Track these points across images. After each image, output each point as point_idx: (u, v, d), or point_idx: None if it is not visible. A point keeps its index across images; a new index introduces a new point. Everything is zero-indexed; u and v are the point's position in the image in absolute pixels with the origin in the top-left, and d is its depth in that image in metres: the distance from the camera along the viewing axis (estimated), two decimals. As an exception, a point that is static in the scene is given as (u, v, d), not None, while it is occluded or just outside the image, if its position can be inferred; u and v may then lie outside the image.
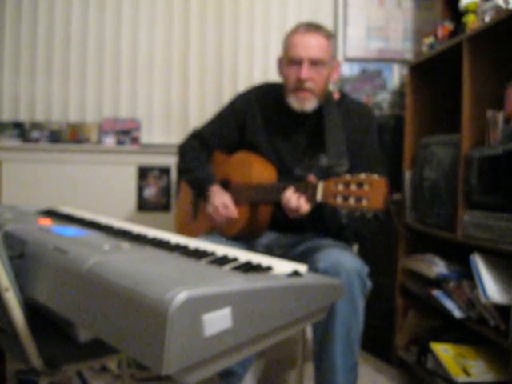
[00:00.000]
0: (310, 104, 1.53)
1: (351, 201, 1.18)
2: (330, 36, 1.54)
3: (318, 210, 1.40)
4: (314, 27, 1.52)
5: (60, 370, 1.01)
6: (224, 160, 1.73)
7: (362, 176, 1.19)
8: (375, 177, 1.17)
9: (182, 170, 1.75)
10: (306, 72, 1.48)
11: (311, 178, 1.33)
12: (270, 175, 1.57)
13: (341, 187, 1.22)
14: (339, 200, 1.21)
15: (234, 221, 1.53)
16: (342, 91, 1.71)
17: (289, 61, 1.52)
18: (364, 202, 1.16)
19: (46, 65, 2.47)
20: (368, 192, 1.16)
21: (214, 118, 1.76)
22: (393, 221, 2.08)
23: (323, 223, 1.55)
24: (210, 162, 1.74)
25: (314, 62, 1.49)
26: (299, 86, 1.50)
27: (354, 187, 1.19)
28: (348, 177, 1.22)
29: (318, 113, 1.56)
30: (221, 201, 1.52)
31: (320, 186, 1.27)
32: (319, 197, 1.27)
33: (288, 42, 1.54)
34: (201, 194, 1.63)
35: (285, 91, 1.57)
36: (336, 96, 1.64)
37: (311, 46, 1.48)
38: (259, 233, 1.61)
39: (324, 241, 1.53)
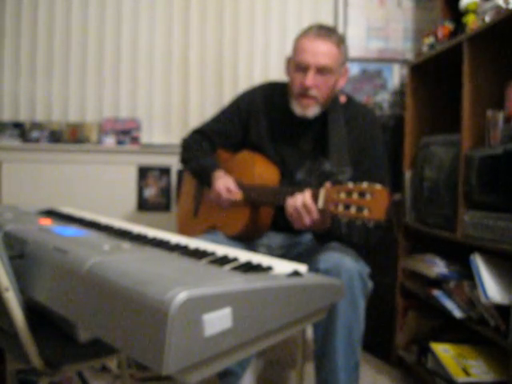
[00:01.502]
0: (312, 111, 1.51)
1: (352, 210, 1.16)
2: (341, 42, 1.50)
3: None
4: (325, 32, 1.47)
5: (60, 370, 1.01)
6: (227, 158, 1.72)
7: (365, 185, 1.17)
8: (378, 187, 1.15)
9: (186, 160, 1.73)
10: (311, 80, 1.45)
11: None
12: (273, 177, 1.56)
13: (342, 195, 1.20)
14: (340, 208, 1.19)
15: (238, 203, 1.51)
16: (349, 94, 1.68)
17: (296, 65, 1.49)
18: (365, 212, 1.14)
19: (46, 65, 2.47)
20: (370, 202, 1.14)
21: (218, 116, 1.74)
22: (393, 230, 2.07)
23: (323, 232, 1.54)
24: (214, 154, 1.73)
25: (321, 70, 1.46)
26: (303, 93, 1.48)
27: (355, 196, 1.17)
28: (350, 185, 1.19)
29: (323, 117, 1.55)
30: (223, 185, 1.51)
31: (322, 193, 1.26)
32: (320, 204, 1.26)
33: (297, 46, 1.50)
34: (205, 181, 1.62)
35: (289, 94, 1.56)
36: (342, 99, 1.61)
37: (320, 52, 1.44)
38: (260, 233, 1.60)
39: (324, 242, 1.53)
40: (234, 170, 1.66)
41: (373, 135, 1.58)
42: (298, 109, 1.52)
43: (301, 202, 1.28)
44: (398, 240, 2.12)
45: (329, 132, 1.52)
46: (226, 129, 1.70)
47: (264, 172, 1.57)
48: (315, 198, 1.27)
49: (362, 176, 1.40)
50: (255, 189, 1.53)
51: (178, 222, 1.97)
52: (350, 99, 1.64)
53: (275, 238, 1.62)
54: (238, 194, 1.50)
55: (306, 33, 1.50)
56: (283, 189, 1.45)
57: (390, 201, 1.13)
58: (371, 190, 1.14)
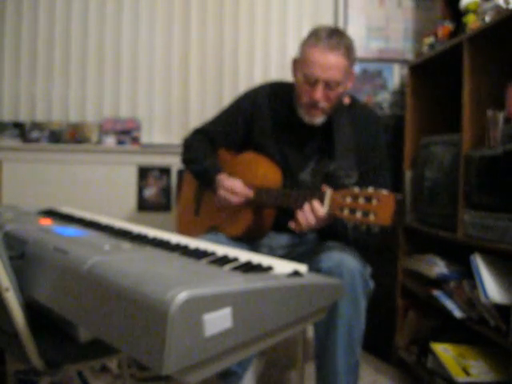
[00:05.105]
0: (319, 119, 1.52)
1: (358, 214, 1.17)
2: (350, 49, 1.47)
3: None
4: (335, 42, 1.42)
5: (60, 370, 1.01)
6: (229, 159, 1.71)
7: (371, 190, 1.17)
8: (384, 192, 1.15)
9: (187, 161, 1.72)
10: (320, 94, 1.44)
11: (323, 188, 1.30)
12: (275, 178, 1.56)
13: (348, 200, 1.20)
14: (346, 212, 1.19)
15: (249, 202, 1.50)
16: (353, 96, 1.66)
17: (305, 77, 1.46)
18: (371, 217, 1.14)
19: (46, 65, 2.47)
20: (376, 207, 1.14)
21: (220, 116, 1.73)
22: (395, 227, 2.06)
23: (330, 234, 1.53)
24: (216, 156, 1.72)
25: (330, 84, 1.44)
26: (312, 105, 1.47)
27: (361, 201, 1.17)
28: (356, 190, 1.20)
29: (328, 122, 1.55)
30: (230, 185, 1.50)
31: (327, 197, 1.26)
32: (326, 208, 1.26)
33: (306, 55, 1.45)
34: (208, 184, 1.61)
35: (296, 99, 1.55)
36: (346, 100, 1.61)
37: (329, 67, 1.41)
38: (262, 234, 1.60)
39: (326, 241, 1.52)
40: (236, 171, 1.65)
41: (377, 137, 1.59)
42: (305, 117, 1.53)
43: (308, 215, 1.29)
44: (398, 233, 2.11)
45: (334, 136, 1.52)
46: (228, 128, 1.69)
47: (267, 173, 1.56)
48: (321, 201, 1.27)
49: (367, 177, 1.41)
50: (268, 191, 1.51)
51: (178, 221, 1.96)
52: (353, 100, 1.64)
53: (277, 239, 1.62)
54: (250, 192, 1.49)
55: (315, 41, 1.43)
56: (288, 192, 1.44)
57: (396, 206, 1.13)
58: (377, 196, 1.15)
